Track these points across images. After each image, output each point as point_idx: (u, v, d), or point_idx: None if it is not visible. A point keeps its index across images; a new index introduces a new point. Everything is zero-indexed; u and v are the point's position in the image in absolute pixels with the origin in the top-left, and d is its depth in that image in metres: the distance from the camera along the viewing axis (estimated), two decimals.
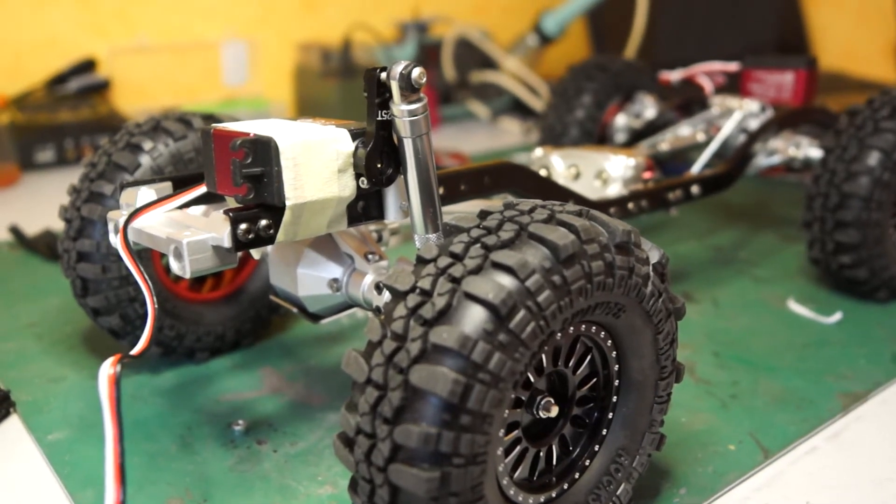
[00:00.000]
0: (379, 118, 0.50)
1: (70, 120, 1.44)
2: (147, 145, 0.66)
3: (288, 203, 0.48)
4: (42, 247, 0.99)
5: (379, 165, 0.51)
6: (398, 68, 0.47)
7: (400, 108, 0.48)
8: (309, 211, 0.50)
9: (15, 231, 1.03)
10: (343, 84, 1.69)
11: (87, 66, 1.61)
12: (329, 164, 0.50)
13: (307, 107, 1.78)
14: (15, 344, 0.77)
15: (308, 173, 0.49)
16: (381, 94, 0.49)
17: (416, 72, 0.47)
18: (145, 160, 0.65)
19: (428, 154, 0.50)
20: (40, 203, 1.22)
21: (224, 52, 1.76)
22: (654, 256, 0.46)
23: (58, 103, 1.50)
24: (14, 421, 0.64)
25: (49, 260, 0.98)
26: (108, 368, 0.43)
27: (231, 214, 0.49)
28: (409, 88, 0.47)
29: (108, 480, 0.41)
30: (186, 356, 0.72)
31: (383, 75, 0.48)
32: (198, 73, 1.76)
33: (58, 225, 1.05)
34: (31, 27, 1.57)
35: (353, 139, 0.51)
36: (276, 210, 0.49)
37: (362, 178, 0.51)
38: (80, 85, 1.57)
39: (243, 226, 0.49)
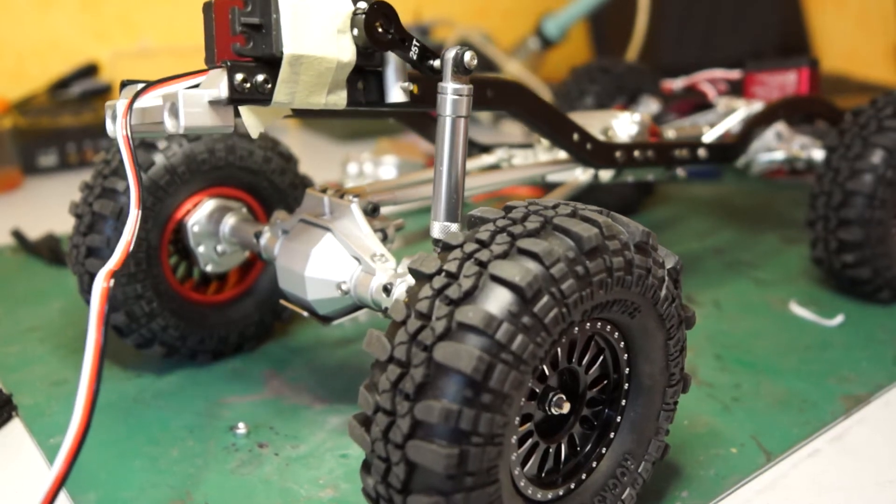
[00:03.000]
0: (416, 38, 0.51)
1: (72, 124, 1.44)
2: (161, 144, 0.66)
3: (285, 51, 0.48)
4: (44, 251, 1.00)
5: (380, 28, 0.51)
6: (452, 51, 0.50)
7: (446, 85, 0.50)
8: (307, 69, 0.49)
9: (17, 235, 1.03)
10: None
11: (90, 70, 1.61)
12: (329, 20, 0.49)
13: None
14: (17, 347, 0.77)
15: (307, 25, 0.48)
16: (428, 52, 0.52)
17: (468, 55, 0.50)
18: (159, 158, 0.66)
19: (462, 139, 0.51)
20: (42, 207, 1.22)
21: None
22: (670, 262, 0.47)
23: (60, 108, 1.51)
24: (16, 425, 0.64)
25: (51, 264, 0.98)
26: (101, 282, 0.44)
27: (228, 63, 0.48)
28: (460, 70, 0.50)
29: (80, 390, 0.41)
30: (189, 357, 0.72)
31: (437, 62, 0.51)
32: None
33: (60, 229, 1.06)
34: (34, 31, 1.58)
35: (354, 3, 0.51)
36: (274, 67, 0.49)
37: (357, 26, 0.50)
38: (83, 89, 1.57)
39: (240, 75, 0.48)
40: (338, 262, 0.59)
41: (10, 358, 0.75)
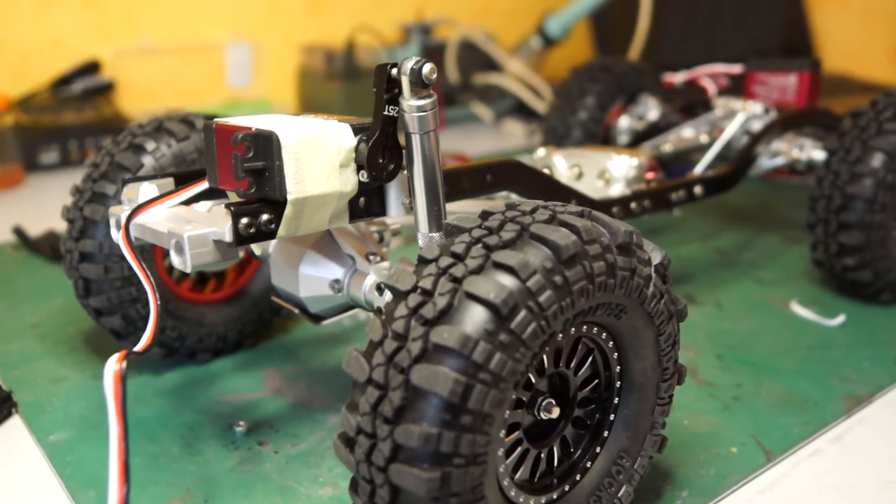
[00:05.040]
0: (386, 113, 0.50)
1: (74, 121, 1.44)
2: (150, 146, 0.66)
3: (289, 197, 0.48)
4: (45, 248, 1.00)
5: (381, 160, 0.51)
6: (409, 63, 0.47)
7: (409, 104, 0.49)
8: (310, 206, 0.50)
9: (18, 232, 1.03)
10: (347, 86, 1.69)
11: (92, 67, 1.61)
12: (331, 158, 0.50)
13: (311, 109, 1.78)
14: (18, 344, 0.77)
15: (310, 167, 0.49)
16: (390, 90, 0.49)
17: (427, 67, 0.47)
18: (148, 161, 0.65)
19: (435, 151, 0.50)
20: (44, 204, 1.23)
21: (228, 54, 1.76)
22: (656, 258, 0.46)
23: (62, 105, 1.51)
24: (16, 421, 0.64)
25: (52, 261, 0.98)
26: (113, 365, 0.42)
27: (232, 209, 0.49)
28: (419, 84, 0.48)
29: (111, 478, 0.41)
30: (188, 357, 0.72)
31: (394, 71, 0.49)
32: (202, 74, 1.76)
33: (61, 226, 1.06)
34: (36, 29, 1.58)
35: (355, 134, 0.51)
36: (277, 204, 0.49)
37: (363, 172, 0.51)
38: (85, 87, 1.57)
39: (244, 220, 0.49)
40: (332, 260, 0.59)
41: (11, 355, 0.75)
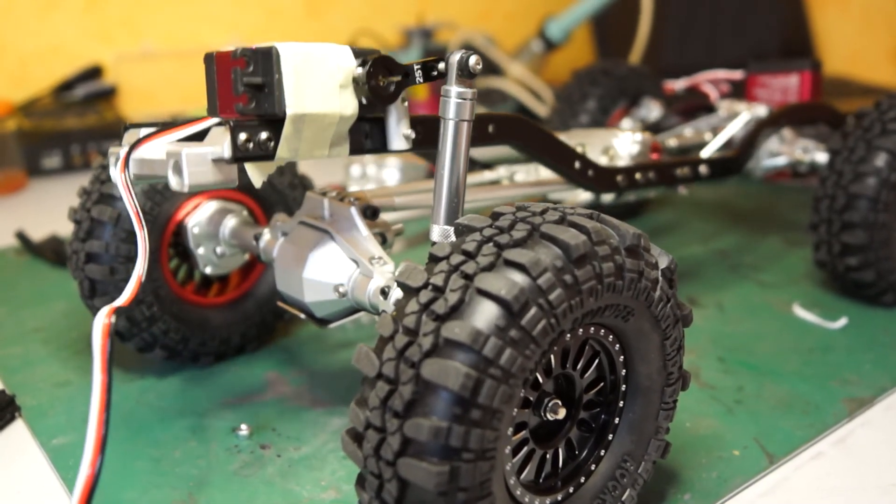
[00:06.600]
0: (415, 63, 0.52)
1: (76, 126, 1.45)
2: None
3: (288, 111, 0.48)
4: (48, 252, 1.00)
5: (381, 82, 0.51)
6: (457, 54, 0.50)
7: (450, 88, 0.50)
8: (309, 125, 0.50)
9: (21, 237, 1.03)
10: None
11: (94, 72, 1.62)
12: (330, 77, 0.50)
13: None
14: (21, 348, 0.77)
15: (309, 84, 0.49)
16: (428, 68, 0.52)
17: (473, 59, 0.50)
18: None
19: (465, 142, 0.51)
20: (47, 209, 1.23)
21: None
22: (663, 262, 0.46)
23: (64, 110, 1.51)
24: (19, 425, 0.64)
25: (55, 265, 0.99)
26: (102, 318, 0.43)
27: (231, 123, 0.48)
28: (465, 74, 0.50)
29: (90, 424, 0.41)
30: (191, 360, 0.72)
31: (441, 65, 0.51)
32: (203, 78, 1.76)
33: (64, 230, 1.06)
34: (38, 34, 1.58)
35: (356, 57, 0.51)
36: (276, 124, 0.49)
37: (360, 71, 0.51)
38: (87, 91, 1.58)
39: (243, 135, 0.48)
40: (336, 264, 0.59)
41: (14, 359, 0.75)
